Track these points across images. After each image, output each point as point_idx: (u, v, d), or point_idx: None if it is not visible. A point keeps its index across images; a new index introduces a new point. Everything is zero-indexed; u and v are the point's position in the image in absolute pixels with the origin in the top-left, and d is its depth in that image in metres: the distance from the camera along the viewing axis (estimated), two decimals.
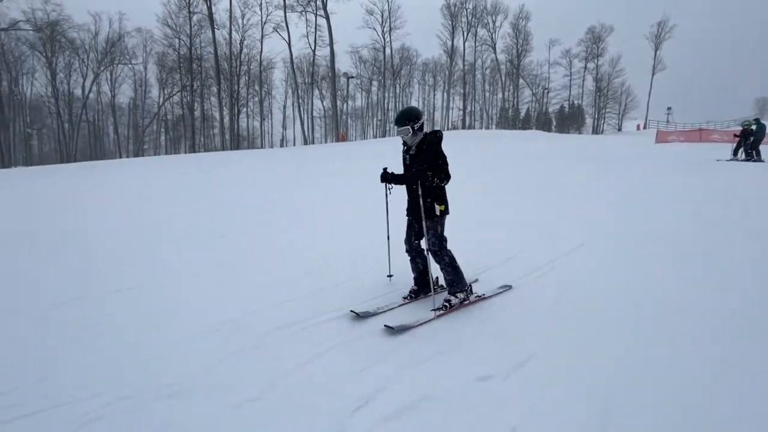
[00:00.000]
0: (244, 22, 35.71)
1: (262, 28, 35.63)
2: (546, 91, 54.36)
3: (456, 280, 3.12)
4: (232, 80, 35.47)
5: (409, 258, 3.37)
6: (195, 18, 32.71)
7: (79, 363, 2.40)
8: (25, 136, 46.60)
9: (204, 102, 39.26)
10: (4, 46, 39.68)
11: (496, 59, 49.88)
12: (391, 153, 14.32)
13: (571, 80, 53.19)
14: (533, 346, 2.58)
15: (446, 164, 3.07)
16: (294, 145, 60.11)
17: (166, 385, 2.17)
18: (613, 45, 49.94)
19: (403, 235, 3.35)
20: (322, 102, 40.25)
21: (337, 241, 4.99)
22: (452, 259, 3.14)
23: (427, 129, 3.21)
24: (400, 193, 3.38)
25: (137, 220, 6.46)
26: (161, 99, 48.21)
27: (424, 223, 3.10)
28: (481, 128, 53.82)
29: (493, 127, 60.55)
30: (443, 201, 3.13)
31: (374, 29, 40.97)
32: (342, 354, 2.51)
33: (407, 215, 3.31)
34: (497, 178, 9.86)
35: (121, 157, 48.57)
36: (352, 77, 41.59)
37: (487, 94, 59.66)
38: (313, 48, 33.37)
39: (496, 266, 4.07)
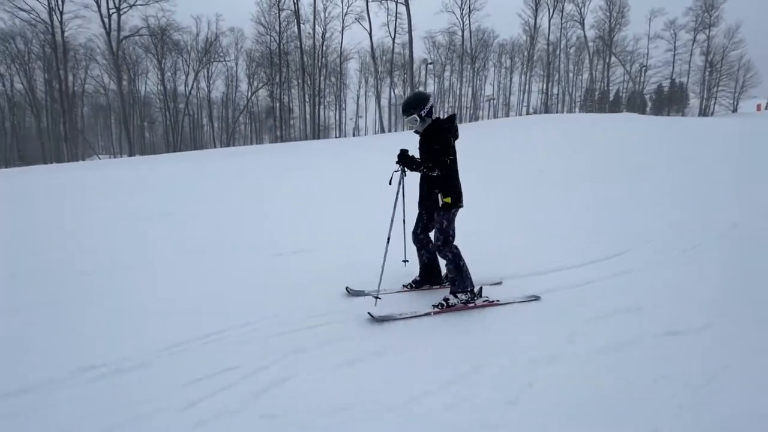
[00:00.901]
0: (326, 15, 37.21)
1: (343, 20, 36.85)
2: (644, 68, 48.77)
3: (458, 280, 2.93)
4: (314, 73, 37.38)
5: (416, 249, 3.29)
6: (283, 14, 34.88)
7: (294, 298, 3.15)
8: (140, 129, 53.92)
9: (286, 94, 41.92)
10: (124, 50, 45.94)
11: (585, 36, 45.88)
12: (464, 139, 14.20)
13: (674, 55, 47.06)
14: (709, 314, 2.72)
15: (447, 153, 2.84)
16: (365, 134, 61.72)
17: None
18: (730, 12, 43.04)
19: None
20: (393, 90, 40.70)
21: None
22: (456, 257, 2.93)
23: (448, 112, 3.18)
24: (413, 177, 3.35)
25: (288, 194, 7.46)
26: (249, 93, 52.55)
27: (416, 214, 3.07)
28: (562, 112, 50.29)
29: (576, 110, 56.21)
30: (450, 192, 2.89)
31: (453, 12, 39.99)
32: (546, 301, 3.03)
33: (418, 205, 3.19)
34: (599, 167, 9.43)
35: (215, 146, 53.90)
36: (430, 63, 41.27)
37: (571, 75, 55.36)
38: (393, 36, 33.77)
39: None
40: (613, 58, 46.49)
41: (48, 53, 39.11)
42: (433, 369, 2.18)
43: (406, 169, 2.96)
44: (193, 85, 49.59)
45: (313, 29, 36.12)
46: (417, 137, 3.09)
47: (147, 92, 54.83)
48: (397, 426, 1.78)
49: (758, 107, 40.82)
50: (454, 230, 2.99)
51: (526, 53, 54.01)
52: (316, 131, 39.48)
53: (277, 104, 38.59)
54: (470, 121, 50.02)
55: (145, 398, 1.96)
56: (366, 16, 32.31)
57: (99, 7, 28.99)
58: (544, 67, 48.56)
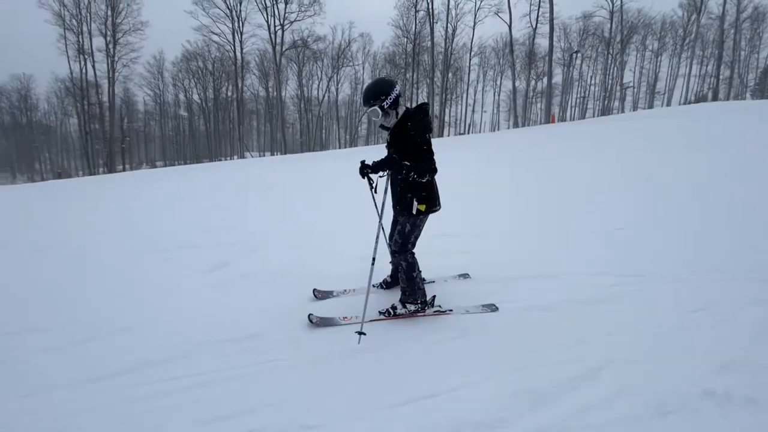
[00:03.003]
0: (457, 11, 37.51)
1: (475, 15, 36.69)
2: None
3: (408, 290, 2.75)
4: (442, 71, 38.08)
5: (389, 252, 3.09)
6: (419, 15, 36.23)
7: None
8: (283, 131, 61.50)
9: (415, 93, 43.40)
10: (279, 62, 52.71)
11: None
12: (603, 134, 12.58)
13: None
14: None
15: (426, 152, 2.56)
16: (480, 130, 60.45)
17: None
18: None
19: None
20: (513, 83, 38.86)
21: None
22: (410, 267, 2.73)
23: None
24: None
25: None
26: None
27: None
28: (728, 99, 42.16)
29: (747, 95, 46.74)
30: (425, 198, 2.61)
31: None
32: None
33: (393, 209, 2.89)
34: None
35: (340, 147, 58.62)
36: (576, 52, 38.59)
37: (743, 53, 46.08)
38: (534, 26, 32.47)
39: None
40: None
41: (217, 68, 47.48)
42: None
43: (375, 181, 2.71)
44: (327, 90, 54.85)
45: (446, 27, 36.79)
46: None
47: (284, 97, 62.32)
48: None
49: None
50: (416, 237, 2.77)
51: (681, 31, 46.76)
52: (440, 129, 40.19)
53: (412, 103, 40.22)
54: (603, 113, 45.29)
55: None
56: (506, 8, 31.61)
57: (269, 25, 34.01)
58: (707, 46, 41.29)
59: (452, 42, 38.86)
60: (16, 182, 48.26)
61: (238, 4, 34.18)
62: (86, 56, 31.80)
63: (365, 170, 2.62)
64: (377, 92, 2.59)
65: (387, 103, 2.57)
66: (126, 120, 46.91)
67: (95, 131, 33.56)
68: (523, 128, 29.83)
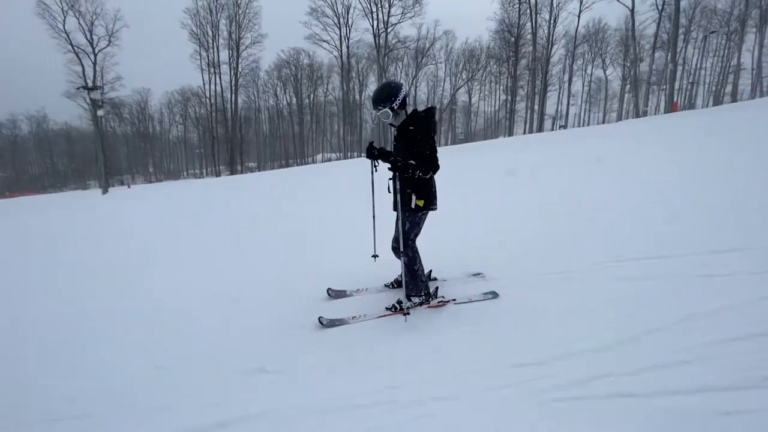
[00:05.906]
0: (560, 0, 36.15)
1: (581, 2, 35.12)
2: None
3: (411, 284, 2.87)
4: (542, 65, 36.96)
5: (394, 254, 3.16)
6: (521, 8, 35.50)
7: None
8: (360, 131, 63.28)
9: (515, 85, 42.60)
10: (350, 65, 54.49)
11: None
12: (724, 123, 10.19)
13: None
14: None
15: (431, 150, 2.68)
16: (569, 125, 57.56)
17: None
18: None
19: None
20: (635, 72, 35.95)
21: None
22: (412, 261, 2.86)
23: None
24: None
25: None
26: (451, 91, 55.95)
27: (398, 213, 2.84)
28: None
29: None
30: (424, 194, 2.76)
31: None
32: None
33: (393, 208, 2.92)
34: None
35: None
36: (713, 32, 35.55)
37: None
38: (660, 9, 30.35)
39: None
40: None
41: (305, 74, 50.20)
42: None
43: (378, 163, 2.77)
44: (408, 90, 55.62)
45: (549, 19, 35.67)
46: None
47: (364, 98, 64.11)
48: None
49: None
50: (416, 234, 2.92)
51: None
52: (541, 124, 39.02)
53: (508, 98, 39.62)
54: (716, 102, 41.00)
55: None
56: None
57: (373, 29, 35.24)
58: None
59: (553, 33, 37.58)
60: (136, 183, 54.67)
61: (346, 12, 35.77)
62: (215, 68, 35.16)
63: (372, 152, 2.70)
64: (387, 95, 2.71)
65: (396, 104, 2.71)
66: (244, 127, 50.91)
67: (219, 136, 36.95)
68: (649, 117, 27.74)
